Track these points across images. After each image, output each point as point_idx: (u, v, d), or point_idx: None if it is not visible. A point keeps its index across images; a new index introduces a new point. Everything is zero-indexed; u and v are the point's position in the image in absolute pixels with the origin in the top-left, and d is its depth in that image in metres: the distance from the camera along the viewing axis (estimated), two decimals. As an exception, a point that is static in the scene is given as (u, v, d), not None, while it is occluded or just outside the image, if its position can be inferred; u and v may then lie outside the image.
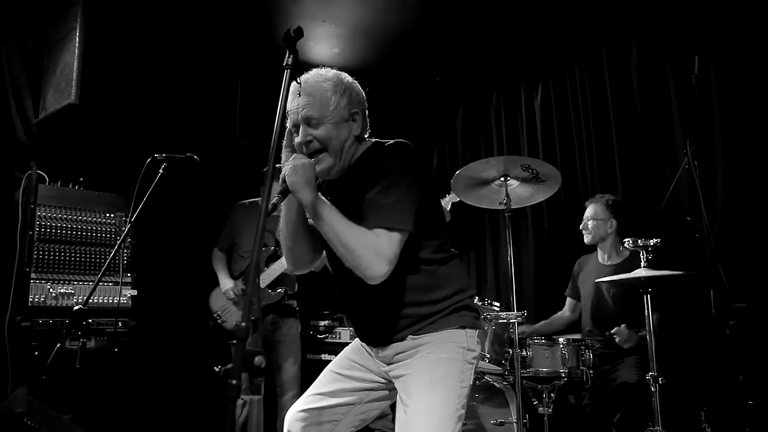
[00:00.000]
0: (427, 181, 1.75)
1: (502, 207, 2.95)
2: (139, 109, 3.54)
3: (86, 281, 3.19)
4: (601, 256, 3.48)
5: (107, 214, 3.34)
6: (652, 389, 2.60)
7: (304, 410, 1.88)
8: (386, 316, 1.75)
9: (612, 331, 3.08)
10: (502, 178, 2.94)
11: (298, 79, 1.69)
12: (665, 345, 2.94)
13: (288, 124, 1.75)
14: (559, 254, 4.13)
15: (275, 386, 3.57)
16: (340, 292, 1.89)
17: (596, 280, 3.22)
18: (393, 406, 1.81)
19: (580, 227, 3.48)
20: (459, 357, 1.72)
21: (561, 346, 2.96)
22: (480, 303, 3.09)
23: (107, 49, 3.38)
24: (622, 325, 3.07)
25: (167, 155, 2.65)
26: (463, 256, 4.84)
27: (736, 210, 3.29)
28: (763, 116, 3.24)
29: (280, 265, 3.54)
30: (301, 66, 1.63)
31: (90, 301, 2.49)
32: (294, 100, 1.70)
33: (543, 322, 3.67)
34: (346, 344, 2.05)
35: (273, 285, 3.57)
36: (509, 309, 2.91)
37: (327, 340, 4.23)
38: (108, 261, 2.56)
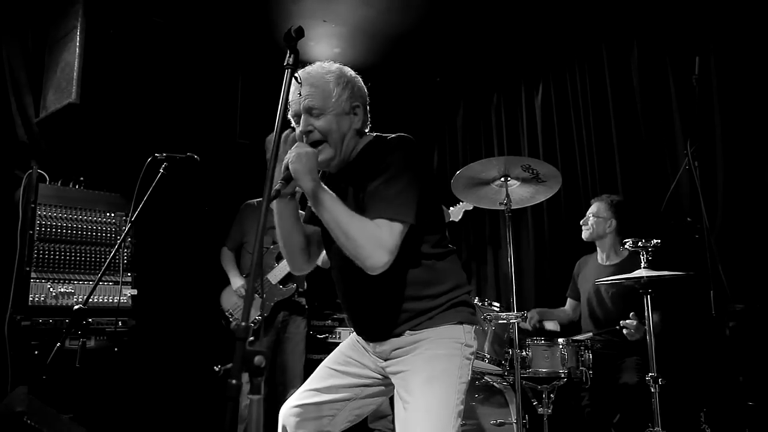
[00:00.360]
0: (427, 176, 1.76)
1: (502, 207, 2.95)
2: (139, 109, 3.54)
3: (86, 281, 3.19)
4: (600, 257, 3.48)
5: (107, 214, 3.33)
6: (652, 390, 2.59)
7: (298, 405, 1.88)
8: (384, 310, 1.75)
9: (622, 323, 3.04)
10: (502, 179, 2.94)
11: (298, 79, 1.70)
12: (665, 346, 2.94)
13: (290, 115, 1.77)
14: (559, 255, 4.14)
15: (277, 384, 3.58)
16: (338, 286, 1.89)
17: (596, 281, 3.22)
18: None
19: (581, 222, 3.48)
20: (457, 353, 1.72)
21: (560, 346, 2.96)
22: (480, 303, 3.09)
23: (108, 49, 3.38)
24: (631, 314, 3.01)
25: (168, 155, 2.65)
26: (464, 256, 4.84)
27: (736, 211, 3.29)
28: (764, 117, 3.24)
29: None
30: (302, 66, 1.64)
31: (90, 300, 2.49)
32: (296, 90, 1.73)
33: (547, 309, 3.67)
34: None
35: (284, 281, 3.58)
36: (509, 309, 2.91)
37: (329, 340, 4.24)
38: (108, 260, 2.56)
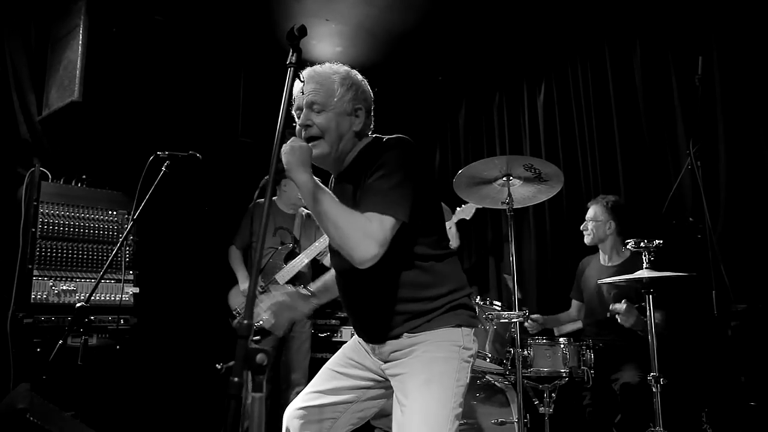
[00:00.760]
0: (424, 177, 1.76)
1: (504, 207, 2.95)
2: (141, 107, 3.54)
3: (88, 278, 3.19)
4: (602, 257, 3.48)
5: (110, 212, 3.34)
6: (654, 390, 2.59)
7: (302, 408, 1.89)
8: (382, 311, 1.76)
9: (611, 308, 3.02)
10: (504, 178, 2.94)
11: (301, 76, 1.71)
12: (667, 346, 2.94)
13: (293, 109, 1.79)
14: (561, 254, 4.13)
15: (281, 382, 3.60)
16: (339, 286, 1.90)
17: (598, 281, 3.21)
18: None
19: (581, 228, 3.48)
20: (455, 356, 1.72)
21: (562, 345, 2.96)
22: (481, 302, 3.09)
23: (110, 47, 3.38)
24: (623, 300, 3.00)
25: (170, 153, 2.66)
26: (466, 255, 4.84)
27: (738, 211, 3.29)
28: (767, 117, 3.24)
29: (298, 263, 3.59)
30: (305, 64, 1.65)
31: (92, 298, 2.49)
32: (301, 86, 1.76)
33: (552, 316, 3.66)
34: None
35: (291, 281, 3.60)
36: (510, 308, 2.91)
37: (333, 339, 4.25)
38: (110, 258, 2.56)
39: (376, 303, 1.77)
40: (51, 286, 3.09)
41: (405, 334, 1.74)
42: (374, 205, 1.61)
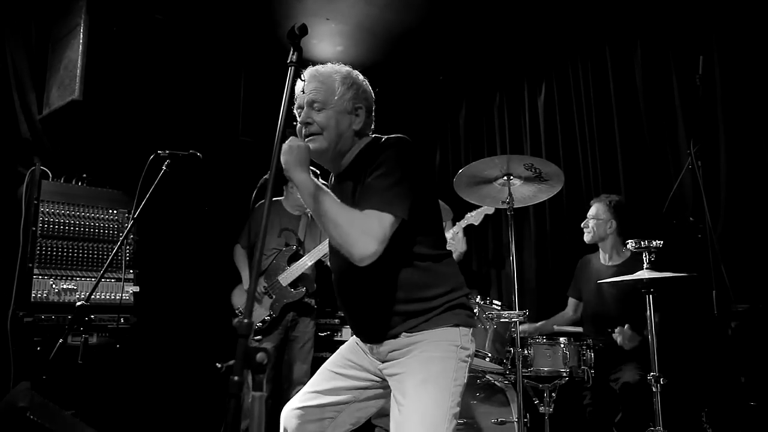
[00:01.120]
0: (423, 176, 1.76)
1: (504, 206, 2.95)
2: (142, 106, 3.54)
3: (89, 277, 3.19)
4: (603, 257, 3.48)
5: (110, 211, 3.34)
6: (654, 389, 2.59)
7: (300, 407, 1.89)
8: (380, 311, 1.76)
9: (615, 332, 3.07)
10: (504, 177, 2.94)
11: (302, 75, 1.71)
12: (667, 345, 2.94)
13: (294, 108, 1.80)
14: (561, 253, 4.13)
15: (283, 382, 3.60)
16: (336, 286, 1.90)
17: (598, 281, 3.21)
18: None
19: (582, 225, 3.48)
20: (452, 355, 1.72)
21: (562, 345, 2.96)
22: (481, 302, 3.09)
23: (111, 46, 3.38)
24: (626, 326, 3.06)
25: (170, 152, 2.66)
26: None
27: (739, 211, 3.29)
28: (767, 117, 3.24)
29: (302, 265, 3.59)
30: (305, 63, 1.66)
31: (92, 297, 2.49)
32: (303, 85, 1.78)
33: (543, 321, 3.67)
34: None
35: (294, 283, 3.60)
36: (511, 308, 2.91)
37: (334, 338, 4.25)
38: (111, 257, 2.57)
39: (374, 303, 1.77)
40: (51, 285, 3.09)
41: (403, 333, 1.74)
42: (373, 203, 1.62)
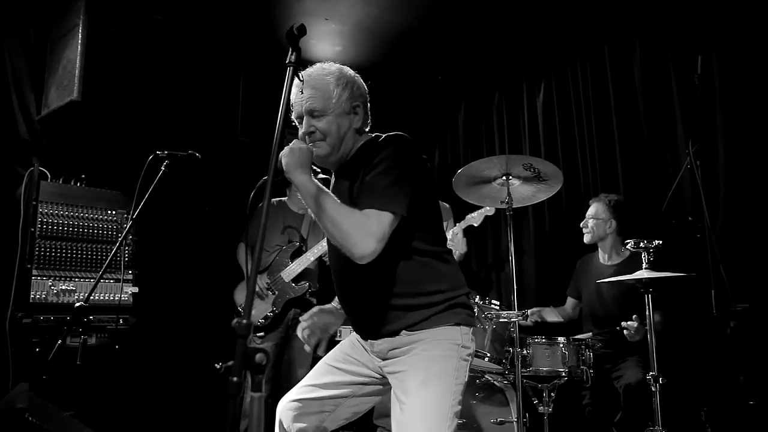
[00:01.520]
0: (422, 174, 1.77)
1: (503, 206, 2.95)
2: (141, 106, 3.54)
3: (88, 278, 3.19)
4: (602, 256, 3.48)
5: (109, 211, 3.33)
6: (653, 389, 2.60)
7: (296, 400, 1.90)
8: (379, 306, 1.77)
9: (623, 325, 3.04)
10: (503, 177, 2.94)
11: (300, 76, 1.72)
12: (666, 345, 2.94)
13: (292, 116, 1.81)
14: (560, 253, 4.13)
15: (282, 381, 3.60)
16: (336, 282, 1.91)
17: (597, 281, 3.21)
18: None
19: (581, 225, 3.48)
20: (453, 354, 1.73)
21: (561, 345, 2.96)
22: (480, 302, 3.09)
23: (110, 46, 3.37)
24: (634, 316, 3.01)
25: (169, 152, 2.65)
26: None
27: (737, 210, 3.29)
28: (766, 116, 3.24)
29: (304, 261, 3.60)
30: (304, 64, 1.66)
31: (91, 298, 2.49)
32: (298, 92, 1.77)
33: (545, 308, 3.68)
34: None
35: (297, 279, 3.61)
36: (510, 308, 2.91)
37: (335, 339, 4.24)
38: (109, 258, 2.56)
39: (373, 298, 1.78)
40: (50, 286, 3.08)
41: (403, 331, 1.75)
42: (372, 202, 1.63)
